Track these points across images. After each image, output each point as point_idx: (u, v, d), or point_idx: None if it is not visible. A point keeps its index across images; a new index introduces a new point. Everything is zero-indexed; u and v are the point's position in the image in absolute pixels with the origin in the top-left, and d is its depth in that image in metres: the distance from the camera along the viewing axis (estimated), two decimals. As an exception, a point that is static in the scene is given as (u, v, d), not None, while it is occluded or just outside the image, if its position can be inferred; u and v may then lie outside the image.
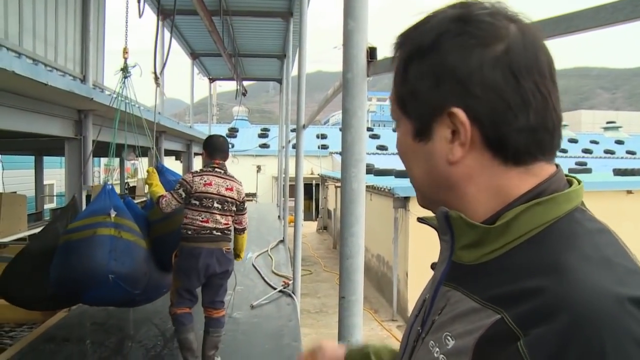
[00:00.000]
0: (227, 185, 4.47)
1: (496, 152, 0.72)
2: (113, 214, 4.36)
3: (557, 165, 0.77)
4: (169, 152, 11.33)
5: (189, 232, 4.34)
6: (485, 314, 0.66)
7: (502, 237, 0.71)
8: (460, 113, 0.71)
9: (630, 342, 0.56)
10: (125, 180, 16.50)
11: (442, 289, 0.79)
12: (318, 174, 27.24)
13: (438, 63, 0.73)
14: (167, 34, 9.55)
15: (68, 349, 4.83)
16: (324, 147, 29.12)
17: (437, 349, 0.73)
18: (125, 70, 5.10)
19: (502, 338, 0.62)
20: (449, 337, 0.71)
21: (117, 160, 13.15)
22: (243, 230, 4.72)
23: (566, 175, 0.77)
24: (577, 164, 27.96)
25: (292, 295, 6.82)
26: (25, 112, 4.69)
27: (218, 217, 4.39)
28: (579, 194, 0.74)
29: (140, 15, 5.89)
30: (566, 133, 38.33)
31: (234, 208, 4.51)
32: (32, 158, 12.57)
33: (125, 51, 5.14)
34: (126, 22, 5.32)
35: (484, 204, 0.75)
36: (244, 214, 4.66)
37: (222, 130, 31.59)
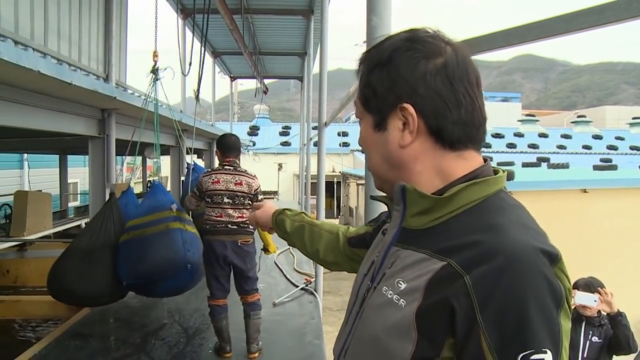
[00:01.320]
0: (236, 180, 4.67)
1: (437, 139, 0.96)
2: (174, 207, 4.69)
3: (485, 159, 1.01)
4: (190, 150, 11.37)
5: (208, 227, 4.67)
6: (433, 262, 0.88)
7: (446, 207, 0.93)
8: (409, 107, 0.95)
9: (540, 276, 0.80)
10: (148, 178, 16.63)
11: (393, 249, 1.01)
12: (339, 172, 27.22)
13: (393, 71, 0.97)
14: (184, 32, 9.60)
15: (92, 345, 4.88)
16: (346, 144, 29.07)
17: (390, 292, 0.93)
18: (155, 73, 5.29)
19: (449, 278, 0.84)
20: (400, 282, 0.92)
21: (139, 159, 13.24)
22: None
23: (493, 167, 1.01)
24: (602, 160, 27.60)
25: (314, 293, 6.82)
26: (50, 111, 4.73)
27: (230, 211, 4.64)
28: (503, 179, 0.98)
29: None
30: (590, 129, 37.86)
31: (246, 201, 4.69)
32: (57, 157, 12.70)
33: (155, 54, 5.35)
34: (155, 27, 5.54)
35: (427, 180, 0.97)
36: None
37: (243, 128, 31.73)
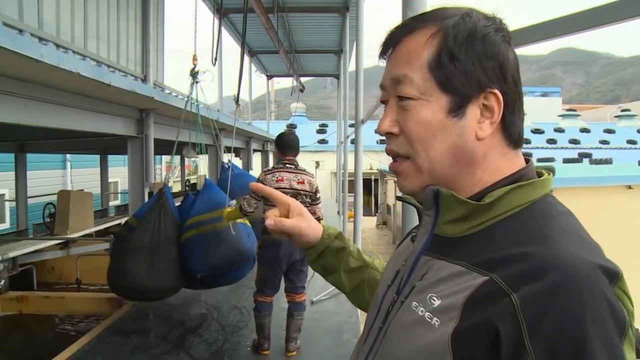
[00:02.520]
0: (299, 179, 4.64)
1: (507, 134, 0.86)
2: (233, 203, 4.88)
3: (527, 159, 0.91)
4: (229, 149, 11.48)
5: None
6: (473, 276, 0.76)
7: (487, 213, 0.82)
8: (499, 94, 0.83)
9: (601, 298, 0.68)
10: (186, 177, 16.84)
11: (423, 259, 0.88)
12: (377, 169, 27.13)
13: (488, 50, 0.84)
14: (222, 32, 9.66)
15: (133, 341, 4.97)
16: (383, 141, 28.73)
17: (422, 308, 0.81)
18: (194, 76, 5.41)
19: (493, 296, 0.72)
20: (434, 298, 0.80)
21: (178, 158, 13.41)
22: (318, 219, 4.75)
23: (537, 169, 0.91)
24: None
25: (351, 290, 6.80)
26: (90, 112, 4.83)
27: None
28: (550, 182, 0.88)
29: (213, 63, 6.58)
30: (635, 123, 36.85)
31: (308, 200, 4.68)
32: (98, 157, 12.94)
33: (194, 58, 5.49)
34: (195, 33, 5.67)
35: (482, 181, 0.86)
36: (317, 204, 4.79)
37: (280, 126, 31.81)
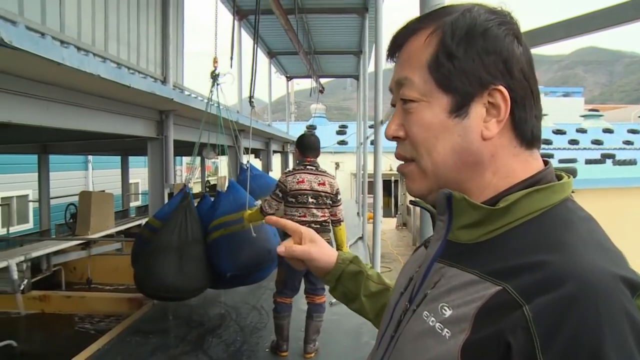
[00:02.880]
0: (320, 180, 4.68)
1: (517, 133, 0.81)
2: (258, 203, 5.02)
3: (546, 161, 0.86)
4: (248, 150, 11.52)
5: None
6: (485, 286, 0.72)
7: (502, 218, 0.77)
8: (505, 91, 0.78)
9: (621, 311, 0.63)
10: (206, 179, 16.93)
11: (436, 266, 0.84)
12: (397, 170, 27.04)
13: (489, 46, 0.79)
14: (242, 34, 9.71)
15: (152, 341, 5.00)
16: (400, 143, 28.80)
17: (433, 318, 0.77)
18: (215, 78, 5.49)
19: (504, 306, 0.68)
20: (445, 307, 0.76)
21: (198, 159, 13.48)
22: (339, 221, 4.88)
23: (556, 171, 0.85)
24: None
25: (370, 292, 6.78)
26: (111, 113, 4.88)
27: (314, 211, 4.65)
28: (570, 185, 0.82)
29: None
30: (659, 124, 36.27)
31: (328, 201, 4.73)
32: (119, 158, 13.07)
33: (215, 61, 5.54)
34: (215, 35, 5.69)
35: (494, 184, 0.81)
36: (338, 206, 4.83)
37: (300, 127, 31.86)
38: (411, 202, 1.05)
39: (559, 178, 0.83)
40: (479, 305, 0.71)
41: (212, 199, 5.30)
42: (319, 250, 1.23)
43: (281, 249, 1.21)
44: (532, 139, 0.83)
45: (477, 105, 0.80)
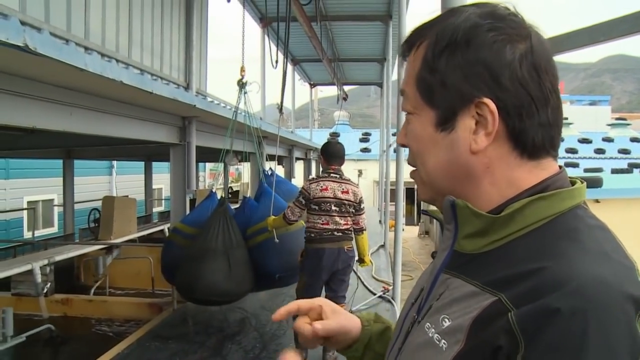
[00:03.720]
0: (343, 189, 4.71)
1: (516, 144, 0.77)
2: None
3: (560, 166, 0.81)
4: (271, 157, 11.56)
5: (312, 235, 4.68)
6: (484, 297, 0.70)
7: (506, 227, 0.75)
8: (490, 104, 0.74)
9: (615, 325, 0.60)
10: (229, 185, 17.00)
11: (442, 277, 0.83)
12: (420, 178, 26.90)
13: (472, 56, 0.76)
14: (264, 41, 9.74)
15: (171, 346, 5.01)
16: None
17: (433, 329, 0.76)
18: (242, 86, 5.66)
19: (495, 315, 0.66)
20: (445, 319, 0.75)
21: (221, 165, 13.55)
22: (361, 230, 4.93)
23: (570, 177, 0.81)
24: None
25: (392, 301, 6.74)
26: (134, 119, 4.93)
27: (337, 218, 4.67)
28: (581, 192, 0.78)
29: (274, 66, 7.44)
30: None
31: (351, 210, 4.75)
32: (142, 163, 13.19)
33: (242, 69, 5.75)
34: (242, 46, 5.83)
35: (495, 195, 0.78)
36: (361, 215, 4.87)
37: (323, 135, 31.85)
38: (422, 212, 1.06)
39: (573, 184, 0.80)
40: (473, 316, 0.70)
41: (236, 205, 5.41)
42: (347, 318, 1.11)
43: (318, 327, 1.04)
44: (536, 148, 0.78)
45: (464, 119, 0.78)
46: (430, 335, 0.76)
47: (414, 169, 0.90)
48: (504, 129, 0.76)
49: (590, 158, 28.89)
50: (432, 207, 0.91)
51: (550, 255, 0.68)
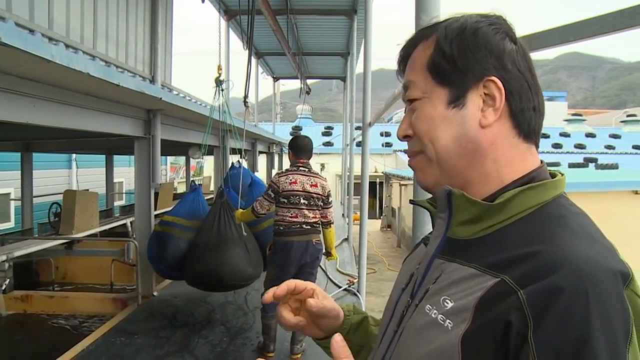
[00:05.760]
0: (312, 182, 4.77)
1: (516, 123, 0.87)
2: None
3: (541, 160, 0.91)
4: (234, 151, 11.49)
5: (281, 228, 4.72)
6: (485, 278, 0.76)
7: (498, 214, 0.82)
8: (497, 81, 0.85)
9: (609, 298, 0.68)
10: (192, 179, 16.85)
11: (436, 262, 0.89)
12: (382, 172, 27.11)
13: (480, 42, 0.87)
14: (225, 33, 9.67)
15: (137, 342, 4.95)
16: (388, 144, 28.96)
17: (435, 311, 0.81)
18: (219, 84, 5.80)
19: (502, 295, 0.72)
20: (447, 300, 0.80)
21: (183, 158, 13.41)
22: (329, 223, 4.98)
23: (550, 170, 0.91)
24: (653, 161, 26.78)
25: (357, 294, 6.80)
26: (99, 112, 4.84)
27: (306, 212, 4.72)
28: (562, 183, 0.88)
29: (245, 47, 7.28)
30: (637, 129, 36.72)
31: (320, 203, 4.81)
32: (104, 157, 12.96)
33: (219, 68, 5.97)
34: (219, 45, 6.18)
35: (494, 175, 0.87)
36: (329, 208, 4.93)
37: (286, 128, 31.84)
38: (411, 201, 1.14)
39: (553, 176, 0.89)
40: (479, 296, 0.75)
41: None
42: (335, 304, 1.16)
43: (311, 302, 1.09)
44: (529, 131, 0.89)
45: (473, 96, 0.87)
46: (433, 316, 0.81)
47: (415, 156, 0.95)
48: (507, 107, 0.86)
49: (548, 152, 29.54)
50: (421, 197, 0.97)
51: (543, 240, 0.76)
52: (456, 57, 0.87)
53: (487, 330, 0.72)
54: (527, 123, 0.88)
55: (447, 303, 0.80)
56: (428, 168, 0.92)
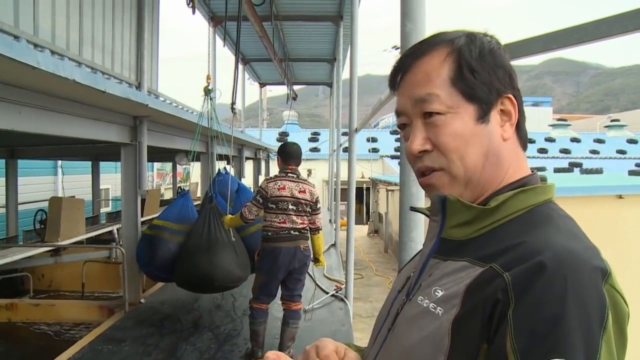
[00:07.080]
0: (300, 188, 4.79)
1: (519, 134, 0.96)
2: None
3: (532, 169, 0.97)
4: (221, 157, 11.45)
5: (269, 234, 4.73)
6: (474, 269, 0.82)
7: (491, 216, 0.88)
8: (513, 98, 0.94)
9: (588, 286, 0.71)
10: (178, 185, 16.78)
11: (432, 261, 0.94)
12: (369, 178, 27.16)
13: (497, 61, 0.94)
14: (214, 40, 9.67)
15: (125, 349, 4.92)
16: (375, 150, 29.02)
17: (427, 301, 0.87)
18: (208, 93, 5.93)
19: (489, 280, 0.77)
20: (438, 290, 0.86)
21: (169, 165, 13.34)
22: (317, 229, 5.01)
23: (541, 177, 0.97)
24: (637, 165, 27.06)
25: (345, 299, 6.80)
26: (85, 119, 4.81)
27: (294, 217, 4.74)
28: (552, 189, 0.94)
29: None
30: (624, 134, 37.08)
31: (308, 209, 4.83)
32: (89, 163, 12.86)
33: (208, 77, 6.06)
34: (208, 56, 6.36)
35: (504, 180, 0.92)
36: (317, 214, 4.94)
37: (272, 134, 31.82)
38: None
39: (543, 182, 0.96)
40: (467, 283, 0.81)
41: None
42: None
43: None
44: (526, 140, 0.98)
45: (494, 112, 0.93)
46: (424, 305, 0.87)
47: (433, 173, 0.93)
48: (515, 122, 0.94)
49: (533, 157, 29.71)
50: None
51: (528, 234, 0.82)
52: (481, 74, 0.92)
53: (474, 313, 0.77)
54: (524, 134, 0.97)
55: (438, 292, 0.85)
56: (449, 185, 0.93)
